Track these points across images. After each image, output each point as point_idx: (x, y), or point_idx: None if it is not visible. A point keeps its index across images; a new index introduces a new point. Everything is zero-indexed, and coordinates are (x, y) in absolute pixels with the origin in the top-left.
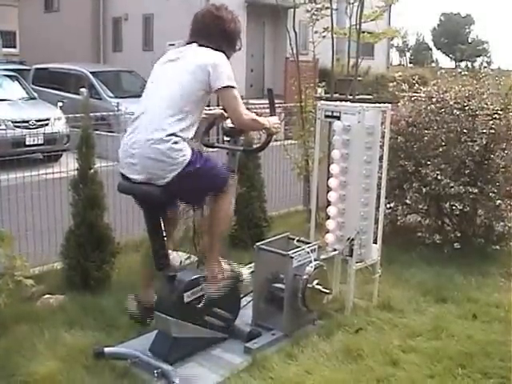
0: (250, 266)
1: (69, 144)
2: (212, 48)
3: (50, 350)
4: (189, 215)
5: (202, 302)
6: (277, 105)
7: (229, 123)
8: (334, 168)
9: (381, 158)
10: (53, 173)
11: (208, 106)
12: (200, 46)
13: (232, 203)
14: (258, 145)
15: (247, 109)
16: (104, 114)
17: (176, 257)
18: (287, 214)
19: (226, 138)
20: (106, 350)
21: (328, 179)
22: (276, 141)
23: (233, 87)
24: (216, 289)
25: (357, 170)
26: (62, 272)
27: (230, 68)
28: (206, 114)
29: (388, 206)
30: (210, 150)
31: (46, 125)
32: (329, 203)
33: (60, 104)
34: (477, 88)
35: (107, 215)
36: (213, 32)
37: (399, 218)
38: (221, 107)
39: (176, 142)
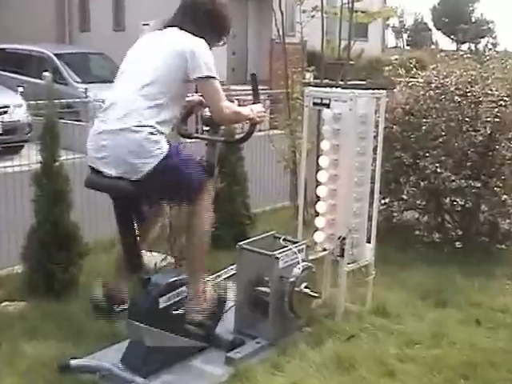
0: (231, 267)
1: (31, 134)
2: (193, 34)
3: (8, 364)
4: (164, 212)
5: (179, 308)
6: (261, 91)
7: (208, 111)
8: (324, 160)
9: (375, 150)
10: (13, 166)
11: None
12: (181, 30)
13: (211, 201)
14: (240, 135)
15: (229, 97)
16: (70, 100)
17: (150, 258)
18: (273, 211)
19: (205, 128)
20: (73, 362)
21: (317, 172)
22: (260, 131)
23: (213, 78)
24: (200, 311)
25: (348, 162)
26: (22, 276)
27: (211, 56)
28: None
29: (383, 201)
30: (188, 140)
31: (5, 112)
32: (318, 199)
33: (20, 89)
34: (480, 72)
35: (74, 212)
36: (200, 15)
37: (395, 214)
38: (200, 93)
39: (152, 133)
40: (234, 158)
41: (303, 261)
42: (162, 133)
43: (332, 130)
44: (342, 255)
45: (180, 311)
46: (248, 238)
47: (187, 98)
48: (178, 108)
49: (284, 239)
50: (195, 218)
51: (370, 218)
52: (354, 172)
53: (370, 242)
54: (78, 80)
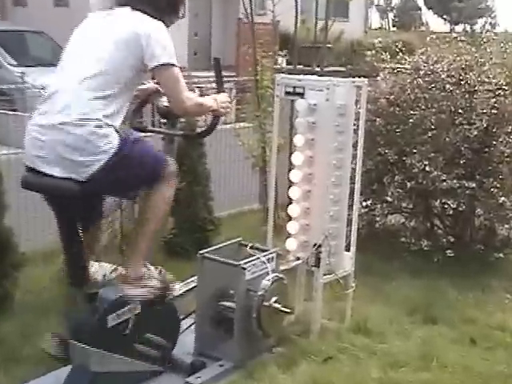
0: (191, 279)
1: None
2: (149, 15)
3: None
4: (115, 216)
5: (130, 327)
6: (226, 78)
7: (165, 101)
8: (297, 157)
9: (355, 145)
10: None
11: None
12: (134, 10)
13: (171, 197)
14: (202, 128)
15: (189, 85)
16: (4, 86)
17: (98, 269)
18: (239, 215)
19: (162, 120)
20: None
21: (289, 171)
22: (225, 123)
23: (173, 65)
24: (138, 294)
25: (325, 159)
26: None
27: (170, 40)
28: (136, 90)
29: (364, 204)
30: (142, 134)
31: None
32: (290, 201)
33: None
34: (476, 57)
35: (9, 216)
36: None
37: (378, 219)
38: (156, 81)
39: (99, 126)
40: (194, 155)
41: (273, 271)
42: (111, 126)
43: (306, 122)
44: (318, 265)
45: (132, 330)
46: (211, 246)
47: (141, 86)
48: (130, 98)
49: (251, 247)
50: (150, 210)
51: (349, 223)
52: (332, 171)
53: (349, 250)
54: (13, 63)
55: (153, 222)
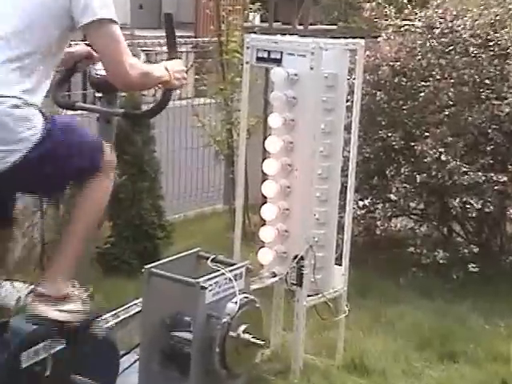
0: (135, 302)
1: None
2: None
3: None
4: (33, 221)
5: (52, 367)
6: (181, 39)
7: (101, 69)
8: (273, 143)
9: (348, 128)
10: None
11: None
12: None
13: (107, 196)
14: (149, 105)
15: (133, 48)
16: None
17: (10, 291)
18: (198, 218)
19: (96, 94)
20: None
21: (263, 161)
22: (180, 99)
23: (112, 21)
24: (60, 320)
25: (309, 146)
26: None
27: None
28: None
29: (361, 203)
30: (70, 112)
31: None
32: (265, 200)
33: None
34: (510, 9)
35: None
36: None
37: (379, 223)
38: (88, 42)
39: (17, 106)
40: (139, 140)
41: (242, 292)
42: (33, 105)
43: (285, 98)
44: (300, 283)
45: (54, 371)
46: (160, 259)
47: (68, 49)
48: (55, 66)
49: (214, 260)
50: (80, 213)
51: (341, 229)
52: (318, 161)
53: (341, 264)
54: None
55: (83, 227)
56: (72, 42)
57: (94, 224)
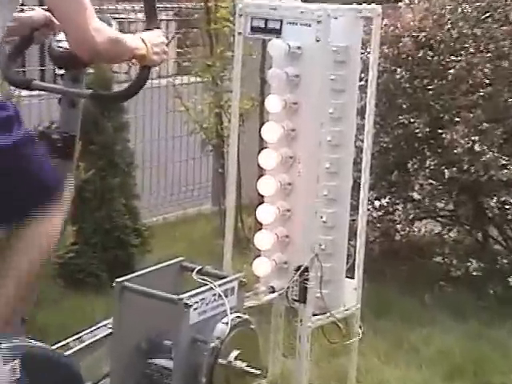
0: (104, 323)
1: None
2: None
3: None
4: None
5: None
6: (161, 5)
7: (63, 40)
8: (272, 131)
9: (362, 112)
10: None
11: (21, 4)
12: None
13: (57, 232)
14: (123, 85)
15: (101, 14)
16: None
17: None
18: (181, 221)
19: (57, 71)
20: None
21: (260, 152)
22: (159, 77)
23: None
24: None
25: (314, 134)
26: None
27: None
28: (14, 20)
29: (377, 203)
30: (25, 93)
31: None
32: (261, 200)
33: None
34: None
35: None
36: None
37: (399, 227)
38: (46, 7)
39: None
40: (110, 127)
41: (234, 310)
42: None
43: (286, 76)
44: (304, 300)
45: None
46: (135, 270)
47: (21, 14)
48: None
49: (200, 271)
50: (18, 257)
51: (353, 234)
52: (325, 152)
53: (353, 277)
54: None
55: (22, 272)
56: (26, 7)
57: (37, 267)
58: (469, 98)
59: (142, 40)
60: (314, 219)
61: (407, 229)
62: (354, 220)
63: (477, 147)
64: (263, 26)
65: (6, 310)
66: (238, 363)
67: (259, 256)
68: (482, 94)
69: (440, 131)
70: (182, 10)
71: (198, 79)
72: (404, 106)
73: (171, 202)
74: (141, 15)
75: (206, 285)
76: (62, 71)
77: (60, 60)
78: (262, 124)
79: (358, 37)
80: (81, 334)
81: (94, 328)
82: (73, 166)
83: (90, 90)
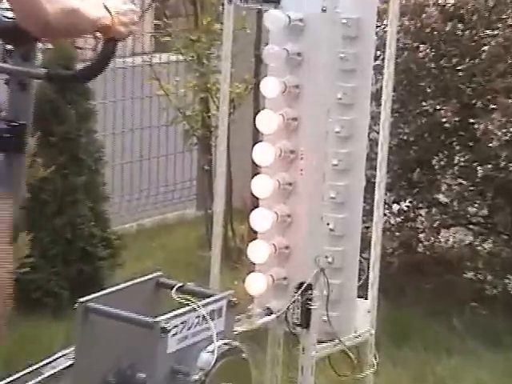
0: (65, 352)
1: None
2: None
3: None
4: None
5: None
6: None
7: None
8: (269, 120)
9: (377, 97)
10: None
11: None
12: None
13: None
14: (85, 63)
15: None
16: None
17: None
18: (160, 228)
19: (6, 47)
20: None
21: (254, 146)
22: (133, 55)
23: None
24: None
25: (320, 124)
26: None
27: None
28: None
29: (396, 208)
30: None
31: None
32: (256, 202)
33: None
34: None
35: None
36: None
37: (422, 235)
38: None
39: None
40: (73, 115)
41: (222, 336)
42: None
43: (286, 54)
44: (307, 324)
45: None
46: (103, 289)
47: None
48: None
49: (181, 289)
50: None
51: (366, 244)
52: (333, 146)
53: (366, 297)
54: None
55: None
56: None
57: None
58: (507, 80)
59: (106, 8)
60: (319, 226)
61: (432, 238)
62: (367, 228)
63: None
64: None
65: None
66: None
67: (253, 271)
68: None
69: (472, 121)
70: None
71: (180, 57)
72: (428, 90)
73: (147, 205)
74: None
75: (189, 305)
76: (9, 46)
77: (5, 33)
78: (256, 112)
79: (372, 7)
80: (36, 366)
81: (52, 359)
82: (24, 162)
83: (46, 70)
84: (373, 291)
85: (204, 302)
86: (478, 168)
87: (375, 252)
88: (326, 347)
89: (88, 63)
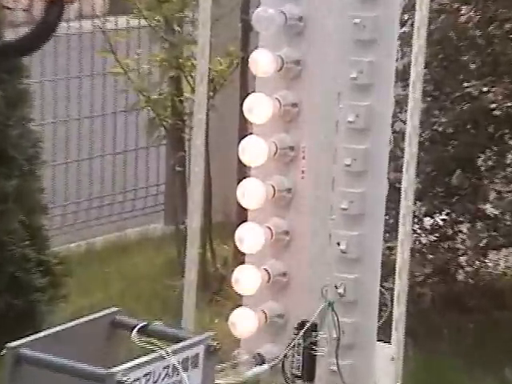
0: None
1: None
2: None
3: None
4: None
5: None
6: None
7: None
8: (260, 106)
9: (404, 76)
10: None
11: None
12: None
13: None
14: (21, 31)
15: None
16: None
17: None
18: (117, 248)
19: None
20: None
21: (241, 140)
22: (80, 17)
23: None
24: None
25: (327, 111)
26: None
27: None
28: None
29: (428, 222)
30: None
31: None
32: (243, 215)
33: None
34: None
35: None
36: None
37: (464, 259)
38: None
39: None
40: (1, 100)
41: None
42: None
43: (283, 19)
44: (311, 376)
45: None
46: (39, 330)
47: None
48: None
49: (144, 330)
50: None
51: (389, 270)
52: (344, 140)
53: (389, 340)
54: None
55: None
56: None
57: None
58: None
59: None
60: (326, 247)
61: (477, 263)
62: (390, 248)
63: None
64: None
65: None
66: None
67: (240, 305)
68: None
69: None
70: None
71: (143, 22)
72: (472, 67)
73: (100, 218)
74: None
75: (155, 351)
76: None
77: None
78: (244, 95)
79: None
80: None
81: None
82: None
83: None
84: (398, 333)
85: (175, 347)
86: None
87: (401, 281)
88: None
89: (25, 33)
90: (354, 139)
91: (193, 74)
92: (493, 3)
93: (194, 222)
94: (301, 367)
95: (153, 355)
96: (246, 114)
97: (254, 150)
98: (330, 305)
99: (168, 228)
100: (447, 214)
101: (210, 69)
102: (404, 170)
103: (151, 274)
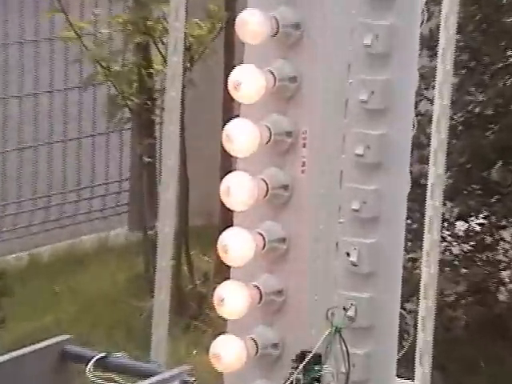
0: None
1: None
2: None
3: None
4: None
5: None
6: None
7: None
8: (249, 80)
9: (431, 44)
10: None
11: None
12: None
13: None
14: None
15: None
16: None
17: None
18: (70, 260)
19: None
20: None
21: (225, 124)
22: None
23: None
24: None
25: (334, 87)
26: None
27: None
28: None
29: (462, 226)
30: None
31: None
32: (228, 218)
33: None
34: None
35: None
36: None
37: (506, 274)
38: None
39: None
40: None
41: None
42: None
43: None
44: None
45: None
46: None
47: None
48: None
49: (101, 362)
50: None
51: (412, 289)
52: (355, 123)
53: (412, 377)
54: None
55: None
56: None
57: None
58: None
59: None
60: (332, 258)
61: None
62: (413, 261)
63: None
64: None
65: None
66: None
67: (223, 332)
68: None
69: None
70: None
71: None
72: None
73: (47, 223)
74: None
75: None
76: None
77: None
78: (229, 67)
79: None
80: None
81: None
82: None
83: None
84: (423, 367)
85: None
86: None
87: (427, 301)
88: None
89: None
90: (368, 123)
91: (165, 41)
92: None
93: (166, 226)
94: None
95: None
96: (232, 91)
97: (241, 137)
98: (337, 331)
99: (133, 234)
100: (485, 218)
101: (186, 34)
102: (431, 161)
103: (112, 292)
